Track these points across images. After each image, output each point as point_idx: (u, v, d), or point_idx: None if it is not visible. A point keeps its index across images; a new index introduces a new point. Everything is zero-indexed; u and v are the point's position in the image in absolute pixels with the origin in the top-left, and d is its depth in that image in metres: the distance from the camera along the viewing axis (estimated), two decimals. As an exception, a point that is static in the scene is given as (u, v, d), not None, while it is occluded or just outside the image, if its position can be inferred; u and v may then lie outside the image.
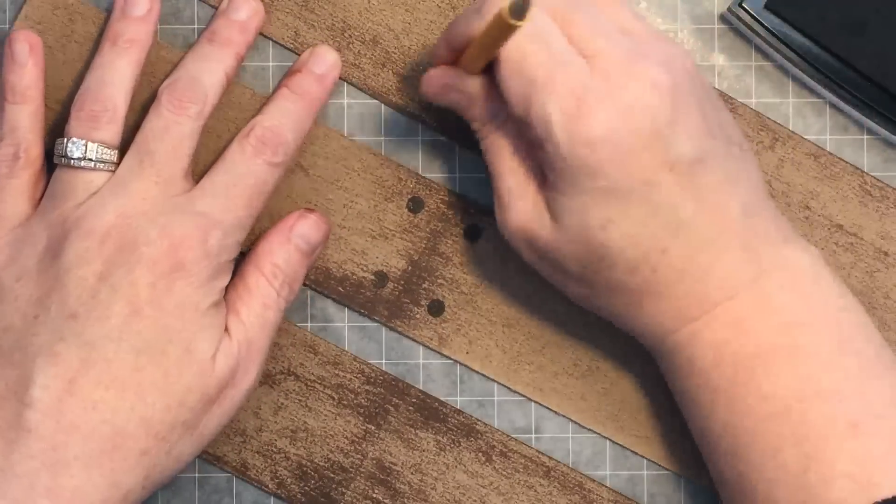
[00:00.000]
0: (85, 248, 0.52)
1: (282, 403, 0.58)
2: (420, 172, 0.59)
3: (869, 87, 0.57)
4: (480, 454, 0.59)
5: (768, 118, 0.59)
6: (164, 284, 0.52)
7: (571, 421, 0.59)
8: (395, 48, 0.59)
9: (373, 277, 0.59)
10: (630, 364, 0.59)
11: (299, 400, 0.58)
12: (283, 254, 0.56)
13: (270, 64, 0.59)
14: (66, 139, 0.54)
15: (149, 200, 0.53)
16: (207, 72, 0.55)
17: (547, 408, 0.59)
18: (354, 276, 0.59)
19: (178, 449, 0.53)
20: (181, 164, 0.54)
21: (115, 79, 0.55)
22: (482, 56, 0.51)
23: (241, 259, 0.56)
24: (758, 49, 0.59)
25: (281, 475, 0.58)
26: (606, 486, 0.59)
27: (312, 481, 0.58)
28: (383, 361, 0.59)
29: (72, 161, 0.54)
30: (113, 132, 0.54)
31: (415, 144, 0.59)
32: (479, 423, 0.59)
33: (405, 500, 0.59)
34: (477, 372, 0.59)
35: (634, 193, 0.51)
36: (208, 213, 0.53)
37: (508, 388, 0.59)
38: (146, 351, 0.51)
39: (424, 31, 0.58)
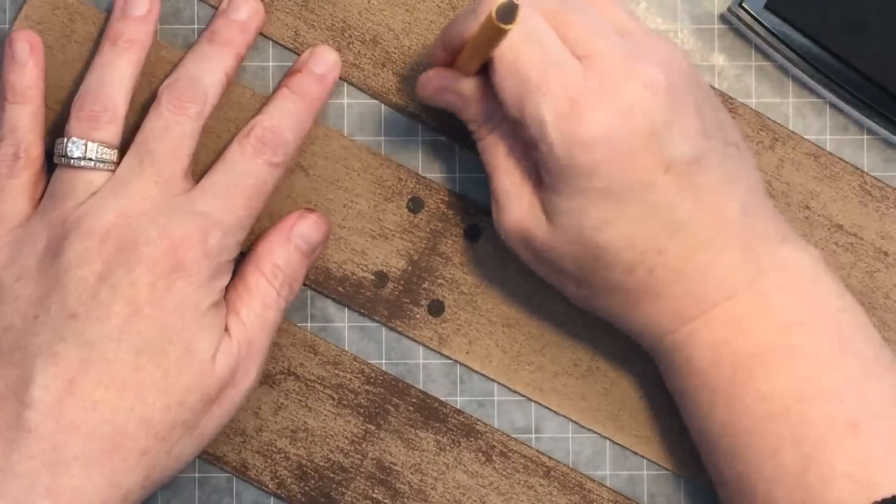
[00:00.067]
0: (85, 248, 0.52)
1: (282, 403, 0.58)
2: (420, 172, 0.59)
3: (869, 87, 0.57)
4: (480, 454, 0.59)
5: (768, 118, 0.59)
6: (164, 284, 0.52)
7: (571, 421, 0.59)
8: (395, 48, 0.59)
9: (373, 277, 0.59)
10: (630, 364, 0.59)
11: (299, 400, 0.58)
12: (283, 254, 0.56)
13: (270, 64, 0.59)
14: (66, 139, 0.54)
15: (149, 200, 0.53)
16: (207, 72, 0.55)
17: (547, 408, 0.59)
18: (354, 276, 0.59)
19: (178, 449, 0.53)
20: (181, 164, 0.54)
21: (115, 79, 0.55)
22: (476, 57, 0.52)
23: (241, 259, 0.56)
24: (758, 49, 0.59)
25: (281, 475, 0.58)
26: (606, 486, 0.59)
27: (312, 481, 0.58)
28: (383, 361, 0.59)
29: (72, 161, 0.54)
30: (113, 132, 0.54)
31: (415, 144, 0.59)
32: (479, 423, 0.59)
33: (405, 500, 0.59)
34: (477, 372, 0.59)
35: (630, 194, 0.51)
36: (208, 213, 0.53)
37: (508, 388, 0.59)
38: (146, 351, 0.51)
39: (424, 31, 0.58)
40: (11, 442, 0.50)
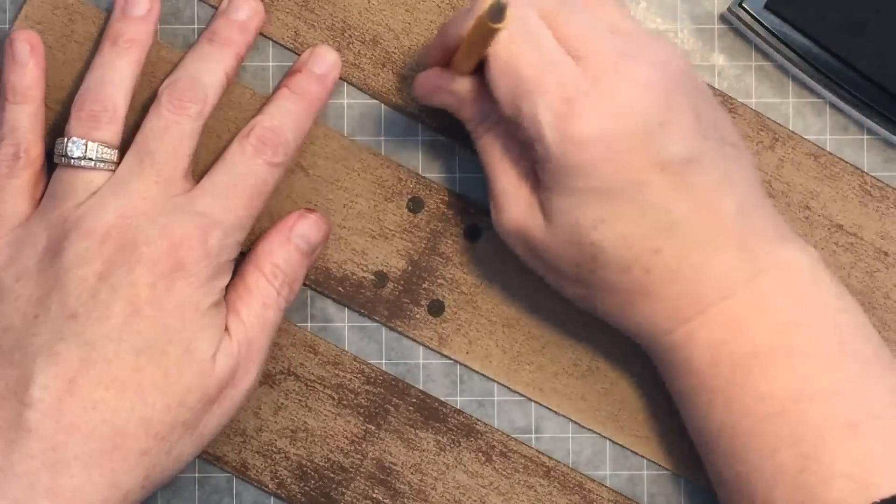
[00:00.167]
0: (85, 247, 0.52)
1: (282, 403, 0.59)
2: (420, 172, 0.59)
3: (869, 87, 0.57)
4: (480, 454, 0.59)
5: (768, 118, 0.59)
6: (164, 284, 0.52)
7: (571, 421, 0.59)
8: (395, 48, 0.59)
9: (373, 277, 0.59)
10: (630, 364, 0.59)
11: (299, 400, 0.58)
12: (283, 254, 0.56)
13: (270, 64, 0.59)
14: (66, 139, 0.54)
15: (149, 200, 0.53)
16: (207, 72, 0.55)
17: (547, 408, 0.59)
18: (354, 276, 0.59)
19: (178, 449, 0.53)
20: (181, 163, 0.54)
21: (116, 79, 0.55)
22: (470, 57, 0.52)
23: (241, 259, 0.56)
24: (758, 49, 0.59)
25: (281, 475, 0.58)
26: (606, 486, 0.59)
27: (312, 481, 0.59)
28: (383, 361, 0.59)
29: (72, 161, 0.54)
30: (113, 132, 0.54)
31: (415, 144, 0.59)
32: (479, 423, 0.59)
33: (405, 500, 0.59)
34: (477, 372, 0.59)
35: (626, 193, 0.51)
36: (208, 212, 0.53)
37: (508, 388, 0.59)
38: (146, 351, 0.51)
39: (424, 31, 0.58)
40: (11, 442, 0.50)
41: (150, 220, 0.52)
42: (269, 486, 0.58)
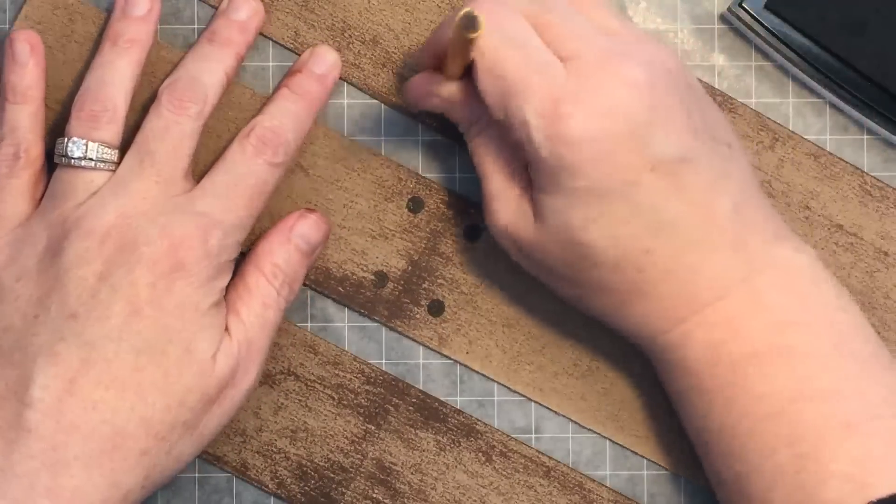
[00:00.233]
0: (85, 248, 0.52)
1: (282, 403, 0.59)
2: (420, 172, 0.59)
3: (869, 87, 0.57)
4: (480, 454, 0.59)
5: (768, 118, 0.59)
6: (165, 284, 0.52)
7: (571, 421, 0.59)
8: (395, 48, 0.59)
9: (373, 277, 0.59)
10: (630, 364, 0.59)
11: (299, 400, 0.59)
12: (283, 254, 0.56)
13: (270, 64, 0.59)
14: (66, 139, 0.54)
15: (149, 200, 0.53)
16: (207, 72, 0.55)
17: (547, 408, 0.59)
18: (354, 276, 0.59)
19: (178, 449, 0.53)
20: (181, 164, 0.54)
21: (116, 79, 0.55)
22: (456, 62, 0.52)
23: (241, 259, 0.56)
24: (758, 49, 0.59)
25: (281, 475, 0.58)
26: (606, 486, 0.59)
27: (312, 481, 0.59)
28: (383, 361, 0.59)
29: (72, 161, 0.54)
30: (113, 132, 0.54)
31: (415, 144, 0.59)
32: (479, 423, 0.59)
33: (405, 500, 0.59)
34: (477, 372, 0.59)
35: (615, 193, 0.51)
36: (209, 213, 0.53)
37: (508, 388, 0.59)
38: (146, 351, 0.51)
39: (424, 31, 0.58)
40: (11, 442, 0.50)
41: (150, 220, 0.52)
42: (269, 486, 0.58)
